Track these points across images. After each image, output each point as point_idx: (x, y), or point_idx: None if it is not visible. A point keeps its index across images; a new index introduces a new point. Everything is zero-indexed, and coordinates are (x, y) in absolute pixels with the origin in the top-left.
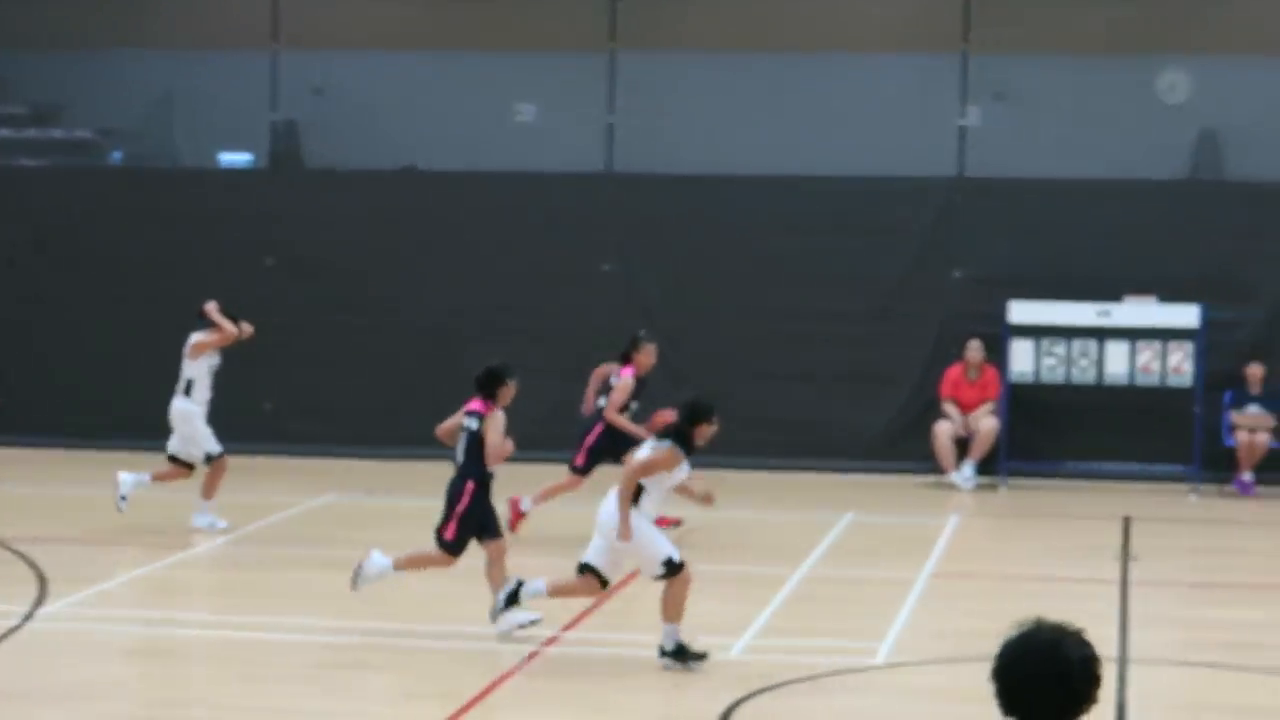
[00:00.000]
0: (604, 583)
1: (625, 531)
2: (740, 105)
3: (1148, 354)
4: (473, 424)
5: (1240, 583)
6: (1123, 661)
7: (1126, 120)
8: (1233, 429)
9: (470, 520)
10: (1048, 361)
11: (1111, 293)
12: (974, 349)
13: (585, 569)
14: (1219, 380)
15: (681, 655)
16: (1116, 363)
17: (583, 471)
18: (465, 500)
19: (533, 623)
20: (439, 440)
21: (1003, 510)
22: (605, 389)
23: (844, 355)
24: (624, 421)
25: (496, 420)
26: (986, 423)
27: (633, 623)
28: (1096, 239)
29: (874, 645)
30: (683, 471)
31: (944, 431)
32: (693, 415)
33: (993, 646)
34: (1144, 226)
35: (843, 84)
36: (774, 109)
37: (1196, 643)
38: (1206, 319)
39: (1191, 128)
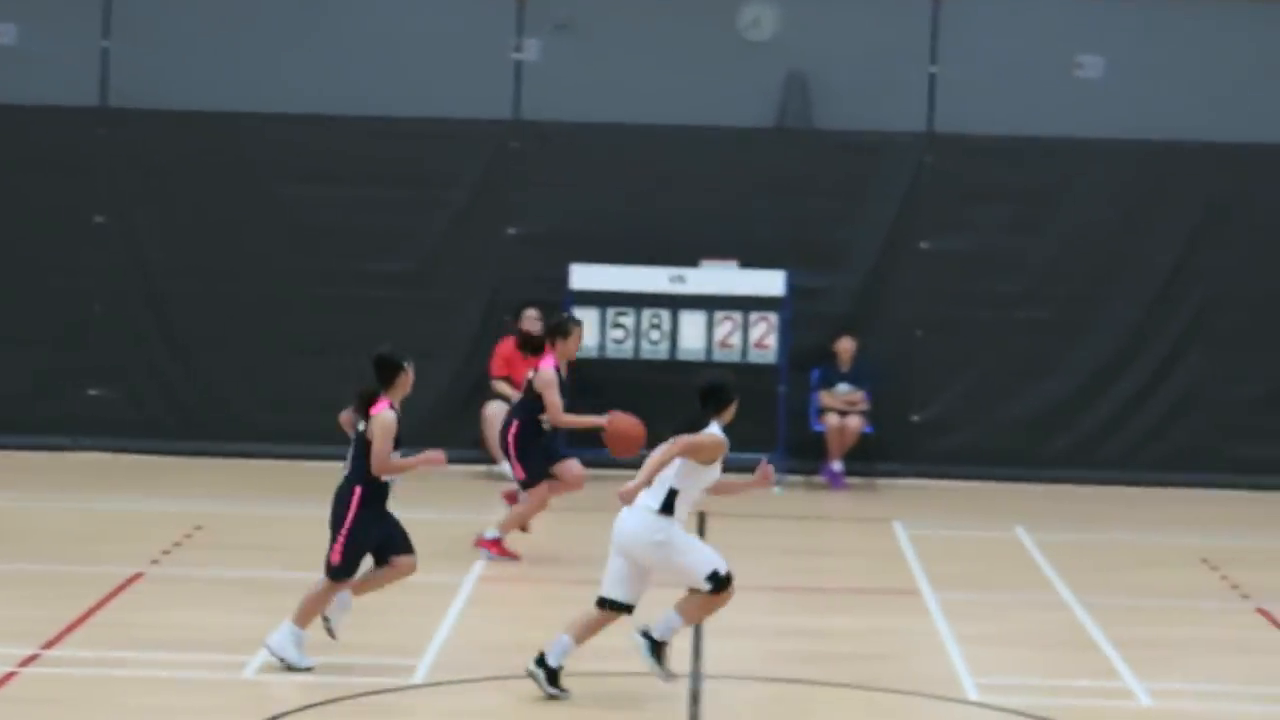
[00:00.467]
0: (629, 609)
1: (629, 491)
2: (265, 35)
3: (727, 326)
4: (361, 424)
5: (828, 587)
6: (696, 677)
7: (705, 59)
8: (821, 412)
9: (363, 537)
10: (614, 334)
11: (687, 256)
12: (530, 319)
13: (605, 604)
14: (806, 356)
15: (658, 657)
16: (692, 336)
17: (533, 482)
18: (353, 512)
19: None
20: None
21: (562, 504)
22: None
23: (377, 325)
24: (573, 418)
25: (380, 422)
26: None
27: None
28: (671, 194)
29: (412, 663)
30: (717, 470)
31: (494, 415)
32: (723, 395)
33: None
34: (724, 180)
35: (383, 9)
36: (305, 40)
37: (778, 654)
38: (793, 287)
39: (778, 69)
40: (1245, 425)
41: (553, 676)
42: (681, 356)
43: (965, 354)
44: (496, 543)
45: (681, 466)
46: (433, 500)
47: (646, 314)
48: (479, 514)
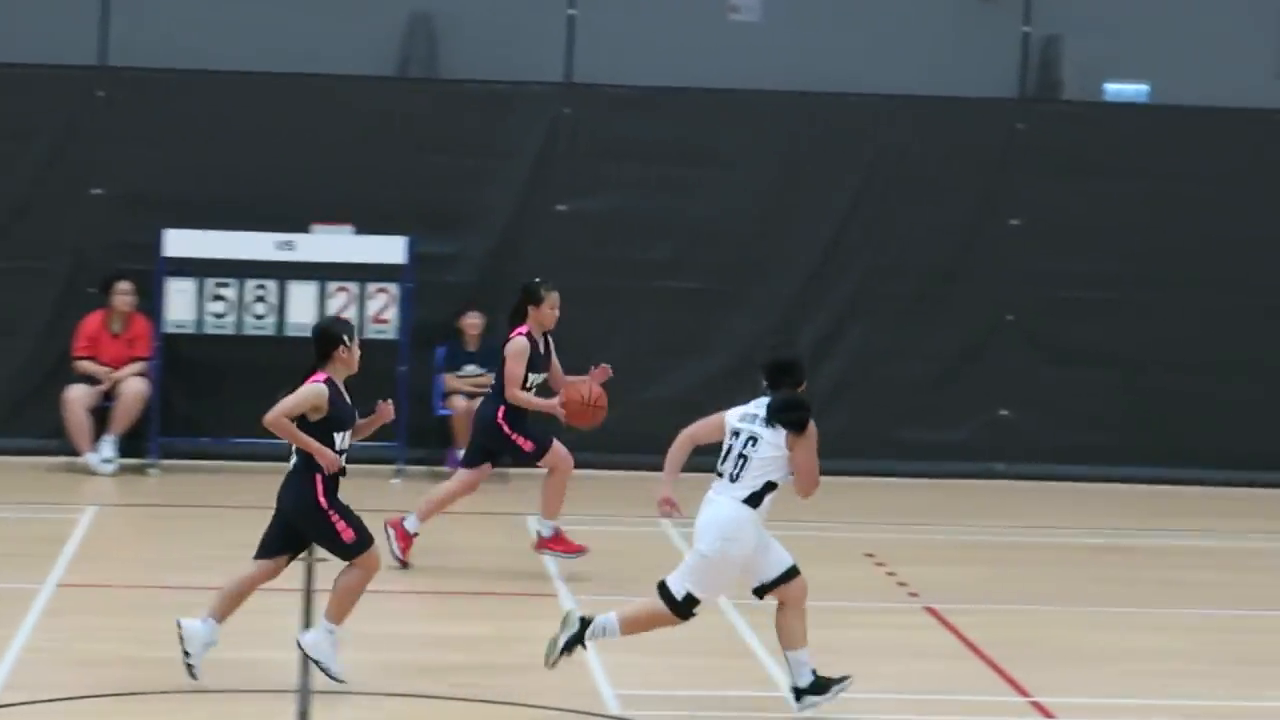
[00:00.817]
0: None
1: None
2: None
3: (342, 298)
4: None
5: (454, 590)
6: (304, 696)
7: (317, 1)
8: (446, 395)
9: (347, 510)
10: (214, 307)
11: (296, 220)
12: (122, 292)
13: (689, 600)
14: (431, 333)
15: (824, 687)
16: (302, 309)
17: (539, 454)
18: (317, 499)
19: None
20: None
21: (154, 500)
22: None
23: None
24: (529, 398)
25: (301, 394)
26: (133, 387)
27: None
28: (277, 150)
29: None
30: None
31: (78, 399)
32: (798, 373)
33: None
34: (338, 135)
35: None
36: None
37: (396, 666)
38: (415, 255)
39: (399, 10)
40: (912, 407)
41: (574, 643)
42: (290, 332)
43: (607, 329)
44: (557, 538)
45: (782, 459)
46: (6, 496)
47: (250, 285)
48: (61, 512)
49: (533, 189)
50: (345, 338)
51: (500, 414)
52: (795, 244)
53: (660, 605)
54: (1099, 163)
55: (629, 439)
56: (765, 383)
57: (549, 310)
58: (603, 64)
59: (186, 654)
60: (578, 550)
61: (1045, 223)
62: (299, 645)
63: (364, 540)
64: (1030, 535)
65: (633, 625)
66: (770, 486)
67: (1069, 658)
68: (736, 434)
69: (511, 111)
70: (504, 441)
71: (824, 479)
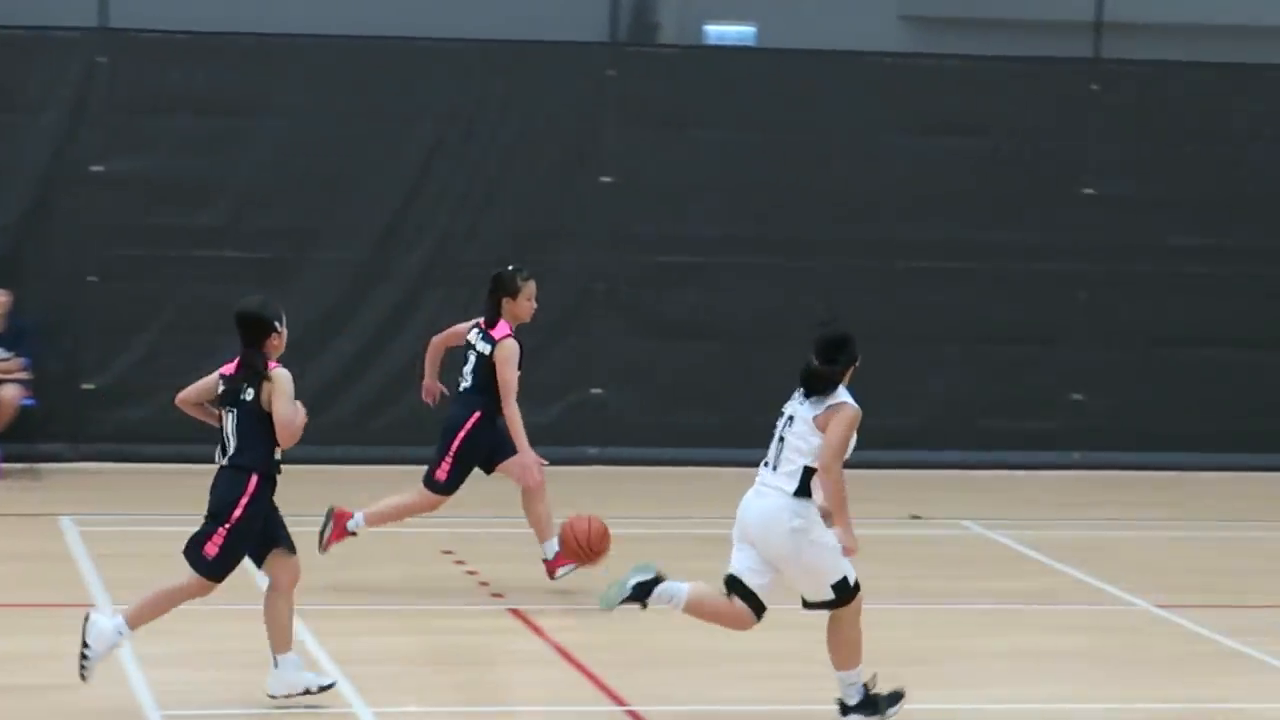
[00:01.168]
0: (759, 614)
1: (851, 540)
2: None
3: None
4: (248, 393)
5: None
6: None
7: None
8: None
9: (248, 531)
10: None
11: None
12: None
13: (748, 596)
14: None
15: (874, 706)
16: None
17: (446, 488)
18: (244, 503)
19: (323, 689)
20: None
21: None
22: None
23: None
24: (517, 414)
25: (282, 383)
26: None
27: None
28: None
29: None
30: None
31: None
32: (853, 351)
33: None
34: None
35: None
36: None
37: None
38: None
39: None
40: None
41: (644, 593)
42: None
43: (151, 306)
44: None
45: (820, 442)
46: None
47: None
48: None
49: (64, 148)
50: (277, 322)
51: (476, 419)
52: (361, 207)
53: (736, 605)
54: (699, 113)
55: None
56: (816, 362)
57: (525, 302)
58: (143, 6)
59: (306, 692)
60: None
61: (640, 179)
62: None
63: (220, 569)
64: (627, 526)
65: (700, 610)
66: (811, 472)
67: (667, 661)
68: (781, 414)
69: (37, 60)
70: (449, 448)
71: (400, 469)
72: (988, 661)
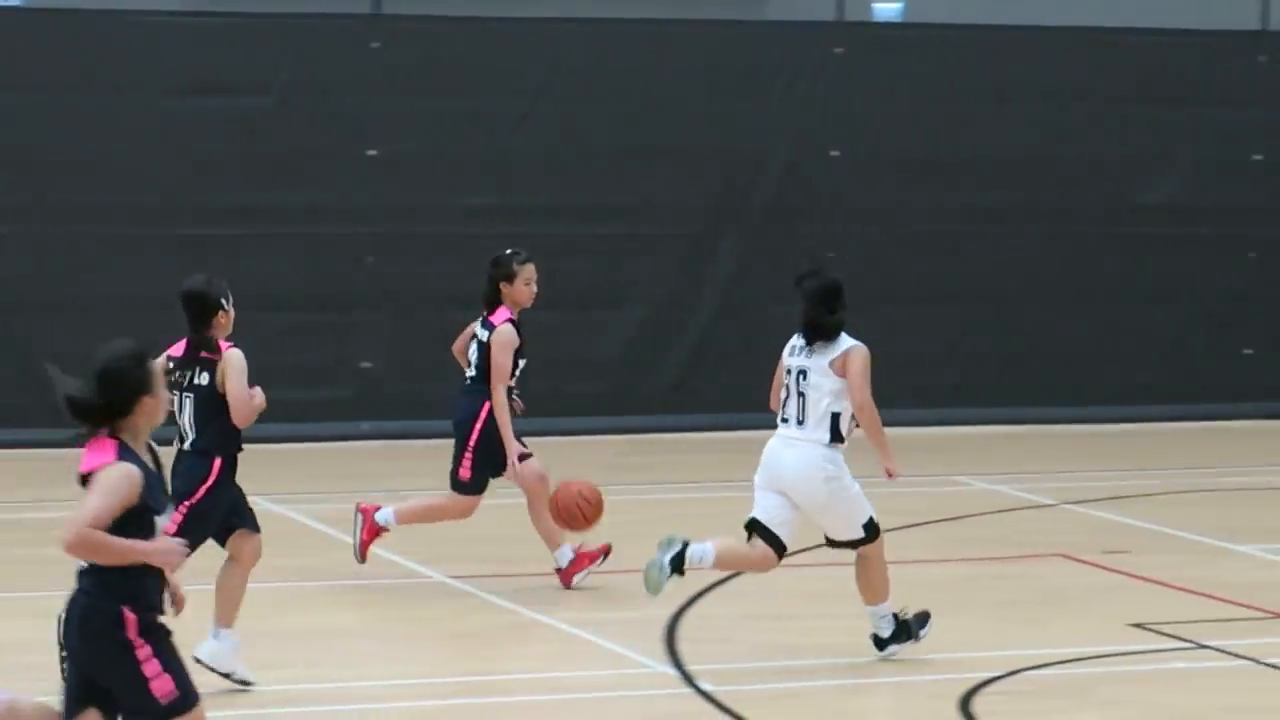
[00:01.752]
0: (781, 554)
1: (895, 462)
2: None
3: None
4: (202, 377)
5: None
6: None
7: None
8: None
9: (210, 514)
10: None
11: None
12: None
13: (770, 538)
14: None
15: (908, 631)
16: None
17: (474, 487)
18: (206, 487)
19: (243, 684)
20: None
21: None
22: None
23: None
24: (504, 399)
25: (235, 363)
26: None
27: None
28: None
29: None
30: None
31: None
32: (842, 295)
33: None
34: None
35: None
36: None
37: None
38: None
39: None
40: None
41: (679, 564)
42: None
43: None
44: (579, 557)
45: (843, 386)
46: None
47: None
48: None
49: None
50: (224, 300)
51: (488, 410)
52: None
53: (758, 548)
54: None
55: None
56: (818, 310)
57: (524, 287)
58: None
59: (227, 676)
60: (603, 551)
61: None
62: (196, 660)
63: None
64: None
65: (728, 562)
66: (837, 417)
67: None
68: (789, 371)
69: None
70: (468, 445)
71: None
72: (285, 640)
